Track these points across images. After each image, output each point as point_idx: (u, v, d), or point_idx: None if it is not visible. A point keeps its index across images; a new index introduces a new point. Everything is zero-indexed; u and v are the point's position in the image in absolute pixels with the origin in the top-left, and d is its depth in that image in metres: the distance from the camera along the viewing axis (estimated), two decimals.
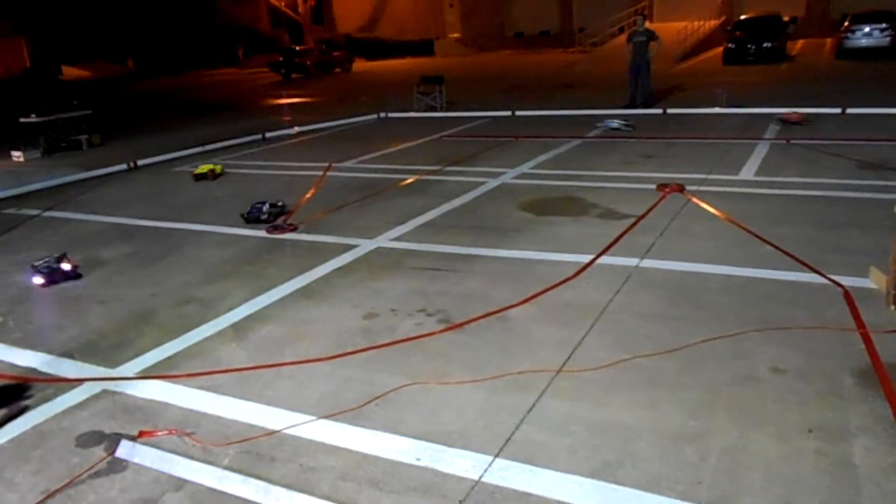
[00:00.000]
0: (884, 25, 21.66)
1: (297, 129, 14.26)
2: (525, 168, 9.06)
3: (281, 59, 32.36)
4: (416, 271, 5.46)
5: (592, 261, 5.38)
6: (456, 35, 39.86)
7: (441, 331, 4.32)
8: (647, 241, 5.79)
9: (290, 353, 4.14)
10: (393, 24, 41.83)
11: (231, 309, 4.90)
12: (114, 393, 3.81)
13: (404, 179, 8.77)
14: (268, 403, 3.57)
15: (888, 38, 21.55)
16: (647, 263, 5.28)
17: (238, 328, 4.59)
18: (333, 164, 10.09)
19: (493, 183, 8.30)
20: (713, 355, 3.76)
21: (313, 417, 3.38)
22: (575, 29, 34.04)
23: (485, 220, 6.77)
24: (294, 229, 6.83)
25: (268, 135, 13.50)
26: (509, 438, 3.11)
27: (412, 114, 15.66)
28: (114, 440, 3.29)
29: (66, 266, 5.80)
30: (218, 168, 9.86)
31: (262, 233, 6.76)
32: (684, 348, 3.85)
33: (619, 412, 3.27)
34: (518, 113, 14.46)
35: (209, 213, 7.73)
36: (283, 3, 40.92)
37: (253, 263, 5.92)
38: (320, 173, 9.48)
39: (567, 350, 3.92)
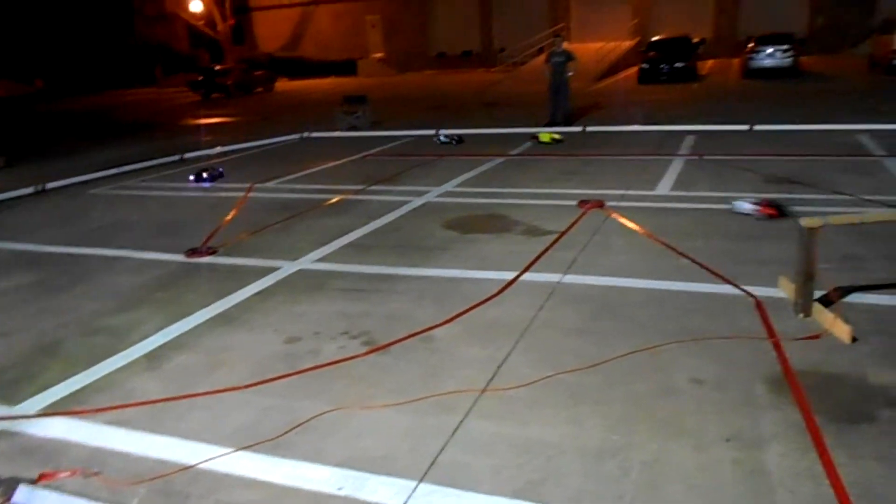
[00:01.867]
0: (785, 47, 22.89)
1: (218, 149, 13.91)
2: (449, 186, 9.09)
3: (200, 78, 31.63)
4: (339, 293, 5.36)
5: (516, 278, 5.41)
6: (379, 55, 39.94)
7: (364, 353, 4.24)
8: (569, 256, 5.87)
9: (205, 383, 3.97)
10: (316, 43, 41.58)
11: (144, 338, 4.68)
12: (13, 433, 3.56)
13: (328, 199, 8.66)
14: (181, 437, 3.41)
15: (789, 59, 22.78)
16: (570, 279, 5.34)
17: (151, 358, 4.38)
18: (255, 185, 9.88)
19: (417, 201, 8.29)
20: (634, 368, 3.82)
21: (230, 450, 3.24)
22: (496, 49, 34.66)
23: (409, 239, 6.74)
24: (213, 253, 6.62)
25: (187, 155, 13.12)
26: (434, 462, 3.06)
27: (336, 133, 15.54)
28: (11, 485, 3.06)
29: None
30: None
31: (179, 257, 6.53)
32: (607, 362, 3.89)
33: (543, 429, 3.27)
34: (442, 131, 14.55)
35: (124, 238, 7.41)
36: (201, 22, 40.07)
37: (169, 289, 5.69)
38: (242, 194, 9.26)
39: (492, 369, 3.91)
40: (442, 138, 13.31)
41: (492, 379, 3.79)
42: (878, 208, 6.72)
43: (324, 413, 3.53)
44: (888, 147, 9.95)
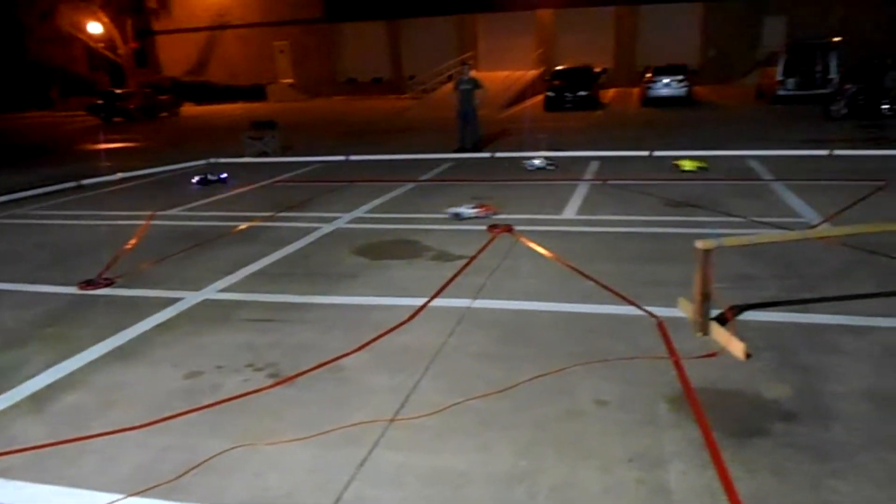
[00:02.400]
0: (680, 77, 24.17)
1: (119, 175, 13.34)
2: (359, 212, 9.03)
3: (101, 102, 30.42)
4: (244, 323, 5.19)
5: (426, 303, 5.40)
6: (289, 80, 39.58)
7: (270, 386, 4.10)
8: (478, 281, 5.91)
9: (97, 424, 3.74)
10: (223, 68, 40.80)
11: (30, 378, 4.38)
12: None
13: (235, 227, 8.42)
14: (69, 484, 3.18)
15: (684, 89, 24.04)
16: (480, 304, 5.37)
17: (37, 399, 4.09)
18: (158, 213, 9.51)
19: (327, 228, 8.18)
20: (542, 392, 3.86)
21: (121, 496, 3.04)
22: (406, 76, 34.98)
23: (318, 267, 6.62)
24: (110, 284, 6.31)
25: (85, 182, 12.51)
26: (339, 498, 2.97)
27: (244, 159, 15.21)
28: None
29: None
30: None
31: (72, 289, 6.17)
32: (515, 387, 3.91)
33: (452, 458, 3.24)
34: (352, 157, 14.49)
35: (12, 270, 6.95)
36: (101, 45, 38.60)
37: (60, 324, 5.36)
38: (143, 222, 8.89)
39: (401, 397, 3.86)
40: (536, 164, 11.99)
41: (401, 408, 3.74)
42: (768, 229, 7.11)
43: (225, 451, 3.38)
44: (775, 171, 10.59)
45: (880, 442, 3.24)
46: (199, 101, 38.22)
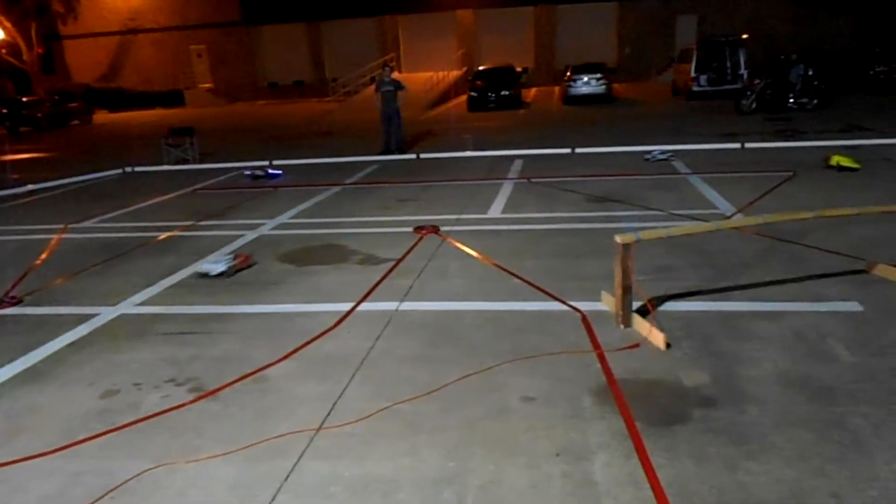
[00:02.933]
0: (599, 75, 24.73)
1: (28, 187, 12.71)
2: (284, 218, 8.87)
3: (5, 110, 28.91)
4: (164, 337, 5.02)
5: (353, 308, 5.34)
6: (207, 85, 38.56)
7: (192, 401, 3.97)
8: (405, 283, 5.88)
9: (4, 452, 3.53)
10: (137, 73, 39.40)
11: None
12: None
13: (154, 237, 8.14)
14: None
15: (603, 86, 24.62)
16: (407, 306, 5.35)
17: None
18: (71, 225, 9.10)
19: (251, 235, 8.00)
20: (470, 392, 3.86)
21: None
22: (328, 79, 34.59)
23: (242, 275, 6.46)
24: (18, 302, 5.99)
25: None
26: None
27: (163, 167, 14.72)
28: None
29: None
30: None
31: None
32: (443, 388, 3.90)
33: (380, 464, 3.21)
34: (276, 162, 14.20)
35: None
36: (3, 51, 36.70)
37: None
38: (54, 236, 8.49)
39: (327, 405, 3.79)
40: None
41: (327, 416, 3.68)
42: (685, 222, 7.35)
43: (144, 472, 3.25)
44: (691, 165, 10.95)
45: (790, 422, 3.38)
46: (113, 108, 36.80)
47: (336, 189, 10.79)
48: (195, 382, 4.22)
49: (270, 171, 12.65)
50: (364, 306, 5.39)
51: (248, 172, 12.48)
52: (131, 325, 5.31)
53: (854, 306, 4.82)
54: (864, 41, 29.00)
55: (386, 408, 3.71)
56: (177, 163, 15.06)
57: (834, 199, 8.05)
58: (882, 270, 5.39)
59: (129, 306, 5.74)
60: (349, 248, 7.21)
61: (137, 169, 14.49)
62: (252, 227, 8.37)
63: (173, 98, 37.30)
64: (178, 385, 4.20)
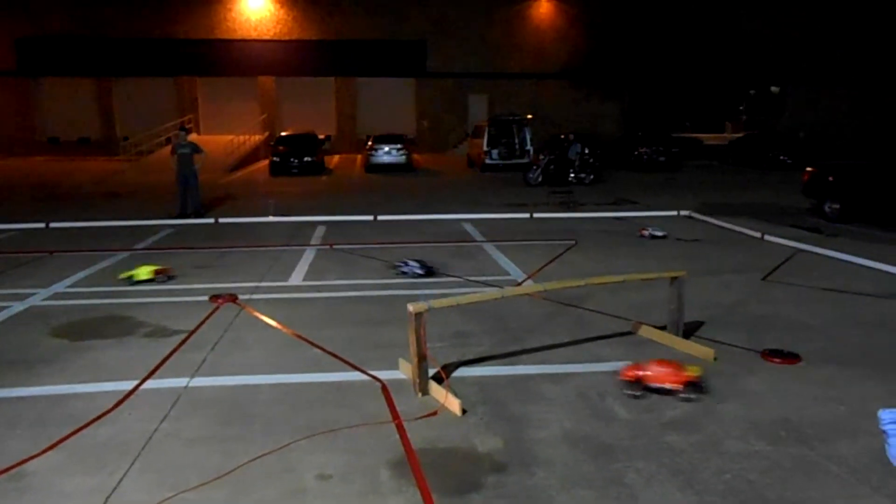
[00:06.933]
0: (399, 146, 25.64)
1: None
2: (61, 287, 8.03)
3: None
4: None
5: (137, 387, 4.91)
6: None
7: None
8: (198, 357, 5.54)
9: None
10: None
11: None
12: None
13: None
14: None
15: (403, 156, 25.54)
16: (198, 382, 5.03)
17: None
18: None
19: (18, 307, 7.14)
20: (263, 473, 3.67)
21: None
22: (119, 137, 32.46)
23: (5, 353, 5.71)
24: None
25: None
26: None
27: None
28: None
29: None
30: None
31: None
32: (233, 472, 3.67)
33: None
34: (53, 225, 12.94)
35: None
36: None
37: None
38: None
39: (98, 501, 3.40)
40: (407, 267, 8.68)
41: None
42: (481, 287, 7.70)
43: None
44: (486, 233, 11.57)
45: (574, 482, 3.58)
46: None
47: (124, 255, 10.01)
48: None
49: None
50: (149, 384, 4.98)
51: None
52: None
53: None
54: (630, 126, 32.89)
55: (168, 498, 3.40)
56: None
57: (609, 265, 8.88)
58: (645, 331, 6.00)
59: None
60: (136, 319, 6.68)
61: None
62: (20, 298, 7.48)
63: None
64: None
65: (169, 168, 14.87)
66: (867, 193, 12.22)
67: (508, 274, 8.53)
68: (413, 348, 4.63)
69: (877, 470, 3.65)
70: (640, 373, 4.64)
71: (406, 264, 8.61)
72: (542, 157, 20.99)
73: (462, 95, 34.60)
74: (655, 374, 4.61)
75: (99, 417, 4.39)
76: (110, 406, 4.56)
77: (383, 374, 5.09)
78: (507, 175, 22.66)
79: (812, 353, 5.51)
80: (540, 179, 20.18)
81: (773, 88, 35.88)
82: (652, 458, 3.82)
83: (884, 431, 1.30)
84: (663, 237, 11.03)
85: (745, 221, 12.26)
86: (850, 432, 4.12)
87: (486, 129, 24.92)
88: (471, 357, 5.48)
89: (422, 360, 4.65)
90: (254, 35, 33.06)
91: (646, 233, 11.15)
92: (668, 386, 4.59)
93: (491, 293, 5.70)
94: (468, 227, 12.31)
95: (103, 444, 4.06)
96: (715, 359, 5.36)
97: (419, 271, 8.44)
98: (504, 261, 9.32)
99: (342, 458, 3.82)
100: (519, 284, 7.92)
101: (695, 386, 4.61)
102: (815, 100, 33.43)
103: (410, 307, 4.59)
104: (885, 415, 1.31)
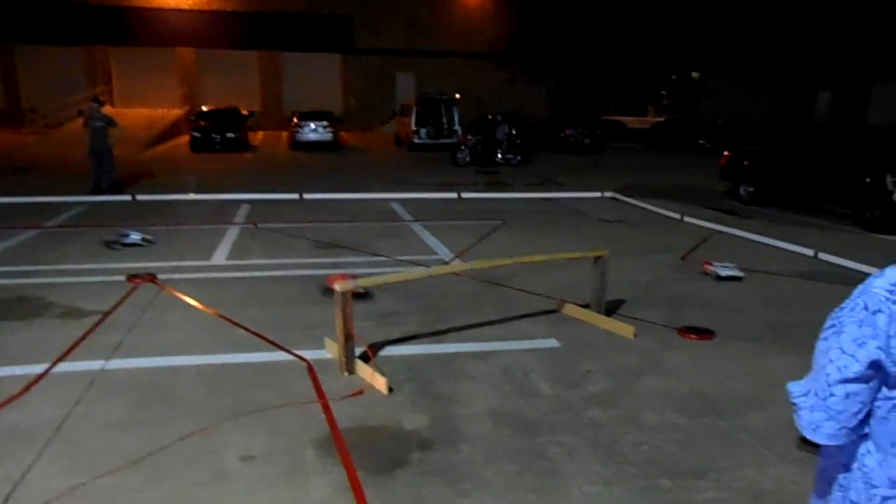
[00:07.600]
0: (325, 123, 25.20)
1: None
2: None
3: None
4: None
5: (48, 370, 4.69)
6: None
7: None
8: (114, 339, 5.33)
9: None
10: None
11: None
12: None
13: None
14: None
15: (330, 134, 25.14)
16: (115, 364, 4.84)
17: None
18: None
19: None
20: (184, 456, 3.57)
21: None
22: (25, 108, 30.65)
23: None
24: None
25: None
26: None
27: None
28: None
29: None
30: None
31: None
32: (152, 455, 3.56)
33: None
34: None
35: None
36: None
37: None
38: None
39: (4, 491, 3.24)
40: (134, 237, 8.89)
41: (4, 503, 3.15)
42: (408, 267, 7.68)
43: None
44: (413, 213, 11.54)
45: (499, 457, 3.64)
46: None
47: (32, 232, 9.51)
48: None
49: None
50: (61, 367, 4.76)
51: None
52: None
53: (552, 343, 5.39)
54: (556, 108, 33.34)
55: (82, 485, 3.27)
56: None
57: (536, 245, 9.01)
58: (569, 309, 6.13)
59: None
60: (46, 299, 6.36)
61: None
62: None
63: None
64: None
65: (80, 142, 14.18)
66: (778, 177, 12.81)
67: (436, 253, 8.54)
68: (339, 327, 4.58)
69: (784, 439, 3.86)
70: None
71: (128, 236, 8.86)
72: (470, 137, 21.03)
73: (389, 73, 34.28)
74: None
75: (6, 403, 4.17)
76: (18, 391, 4.34)
77: (309, 354, 5.03)
78: (435, 154, 22.63)
79: (726, 330, 5.75)
80: (468, 159, 20.24)
81: (694, 74, 37.02)
82: (574, 433, 3.92)
83: (794, 404, 1.37)
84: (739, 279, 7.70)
85: (666, 203, 12.64)
86: (761, 404, 4.33)
87: (414, 108, 24.78)
88: (398, 336, 5.47)
89: (348, 339, 4.61)
90: (171, 3, 31.69)
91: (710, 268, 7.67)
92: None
93: (419, 272, 5.69)
94: (396, 207, 12.25)
95: (10, 430, 3.86)
96: (635, 335, 5.53)
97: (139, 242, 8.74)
98: (432, 240, 9.33)
99: (266, 439, 3.76)
100: (447, 264, 7.95)
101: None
102: (731, 87, 34.69)
103: (337, 286, 4.54)
104: (794, 387, 1.38)
